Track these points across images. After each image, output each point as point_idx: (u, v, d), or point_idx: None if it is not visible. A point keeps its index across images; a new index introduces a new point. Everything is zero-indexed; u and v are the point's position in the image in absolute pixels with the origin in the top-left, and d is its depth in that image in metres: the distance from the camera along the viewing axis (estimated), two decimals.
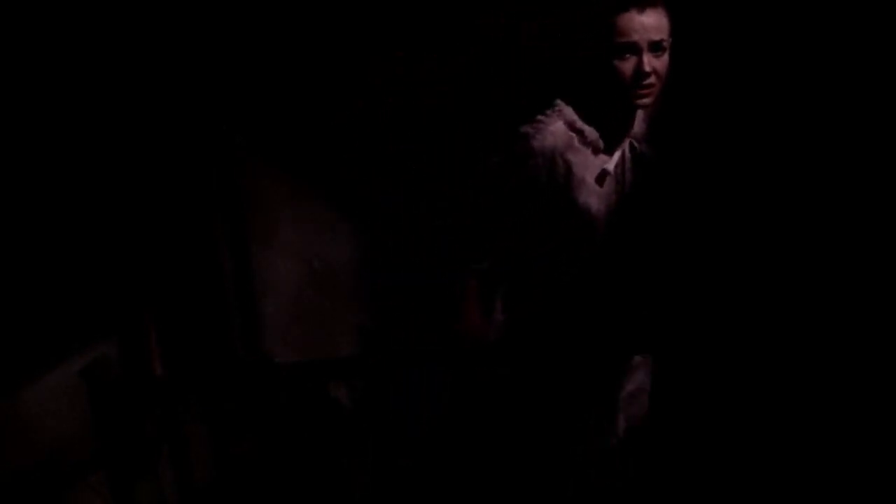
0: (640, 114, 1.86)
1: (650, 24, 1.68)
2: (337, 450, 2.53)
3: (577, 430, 2.05)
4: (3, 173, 2.14)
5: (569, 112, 1.83)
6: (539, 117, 1.85)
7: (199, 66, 2.52)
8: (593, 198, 1.84)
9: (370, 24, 2.49)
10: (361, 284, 2.77)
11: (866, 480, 1.94)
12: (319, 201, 2.70)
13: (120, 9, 2.31)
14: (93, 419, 1.97)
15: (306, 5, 2.50)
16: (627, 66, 1.70)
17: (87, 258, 2.31)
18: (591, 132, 1.82)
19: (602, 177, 1.84)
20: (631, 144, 1.87)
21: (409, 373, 2.31)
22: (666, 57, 1.72)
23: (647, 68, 1.68)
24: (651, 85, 1.71)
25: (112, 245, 2.38)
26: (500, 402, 2.14)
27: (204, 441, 2.39)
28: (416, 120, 2.52)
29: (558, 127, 1.82)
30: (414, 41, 2.48)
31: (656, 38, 1.69)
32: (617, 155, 1.85)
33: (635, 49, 1.69)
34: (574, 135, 1.82)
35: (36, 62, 2.17)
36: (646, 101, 1.74)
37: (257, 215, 2.70)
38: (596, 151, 1.83)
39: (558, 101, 1.86)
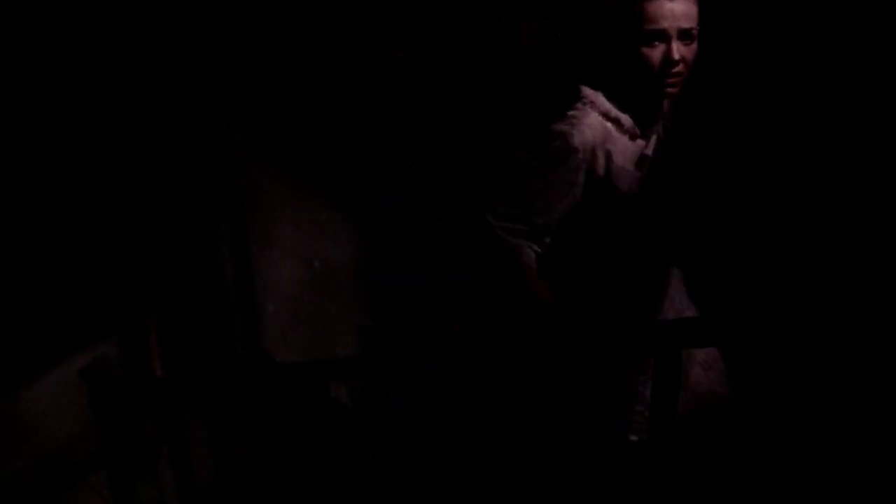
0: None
1: (680, 11, 1.66)
2: (337, 450, 2.53)
3: (576, 430, 2.05)
4: (5, 174, 2.14)
5: (602, 102, 1.79)
6: (571, 112, 1.81)
7: (199, 67, 2.52)
8: (635, 184, 1.82)
9: (370, 24, 2.49)
10: (362, 284, 2.77)
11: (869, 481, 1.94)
12: (319, 201, 2.70)
13: (121, 9, 2.31)
14: (93, 419, 1.97)
15: (306, 5, 2.50)
16: (656, 53, 1.67)
17: (88, 258, 2.31)
18: (626, 120, 1.79)
19: (643, 162, 1.82)
20: (665, 127, 1.86)
21: (409, 373, 2.30)
22: (694, 45, 1.70)
23: (676, 56, 1.66)
24: (679, 73, 1.69)
25: (113, 245, 2.38)
26: (501, 402, 2.14)
27: (204, 441, 2.39)
28: (416, 120, 2.52)
29: (594, 119, 1.78)
30: (414, 41, 2.48)
31: (686, 25, 1.67)
32: (654, 139, 1.83)
33: (664, 36, 1.66)
34: (610, 124, 1.79)
35: (38, 63, 2.17)
36: (673, 89, 1.72)
37: (257, 215, 2.70)
38: (633, 138, 1.81)
39: (585, 91, 1.83)
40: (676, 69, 1.69)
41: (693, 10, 1.69)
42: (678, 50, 1.67)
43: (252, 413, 2.54)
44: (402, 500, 2.42)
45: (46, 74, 2.19)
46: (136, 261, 2.44)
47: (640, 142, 1.82)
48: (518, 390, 2.08)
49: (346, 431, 2.59)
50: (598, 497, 2.08)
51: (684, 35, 1.68)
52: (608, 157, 1.79)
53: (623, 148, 1.81)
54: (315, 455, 2.53)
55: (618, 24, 1.75)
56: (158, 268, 2.51)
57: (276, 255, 2.75)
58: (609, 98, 1.80)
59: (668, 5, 1.66)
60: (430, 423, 2.49)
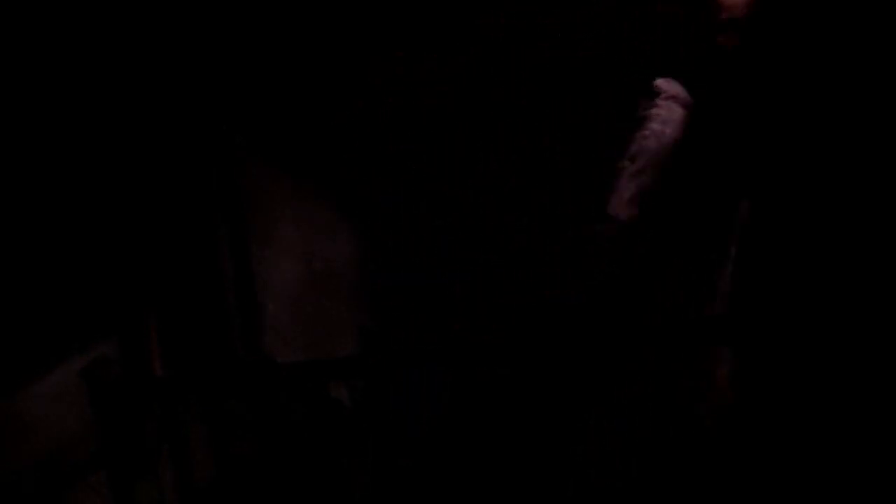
0: None
1: None
2: (337, 450, 2.53)
3: (576, 430, 2.05)
4: (4, 173, 2.14)
5: (684, 95, 1.78)
6: (654, 111, 1.79)
7: (199, 67, 2.52)
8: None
9: (370, 23, 2.49)
10: (362, 284, 2.77)
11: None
12: (320, 201, 2.71)
13: (121, 8, 2.31)
14: (93, 419, 1.97)
15: (306, 5, 2.50)
16: (732, 41, 1.68)
17: (88, 258, 2.31)
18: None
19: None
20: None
21: (410, 373, 2.31)
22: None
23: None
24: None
25: (112, 245, 2.38)
26: (501, 402, 2.14)
27: (204, 441, 2.39)
28: (416, 120, 2.52)
29: (679, 114, 1.78)
30: (414, 41, 2.48)
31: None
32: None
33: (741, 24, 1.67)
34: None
35: (37, 62, 2.17)
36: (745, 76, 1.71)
37: (257, 215, 2.70)
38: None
39: (662, 85, 1.80)
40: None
41: None
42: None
43: (252, 413, 2.54)
44: (402, 500, 2.43)
45: (46, 73, 2.19)
46: (135, 260, 2.43)
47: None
48: (518, 390, 2.08)
49: (347, 431, 2.59)
50: (598, 497, 2.09)
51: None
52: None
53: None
54: (315, 455, 2.53)
55: (692, 14, 1.74)
56: (158, 267, 2.50)
57: (276, 255, 2.75)
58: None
59: None
60: (430, 423, 2.49)
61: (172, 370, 2.42)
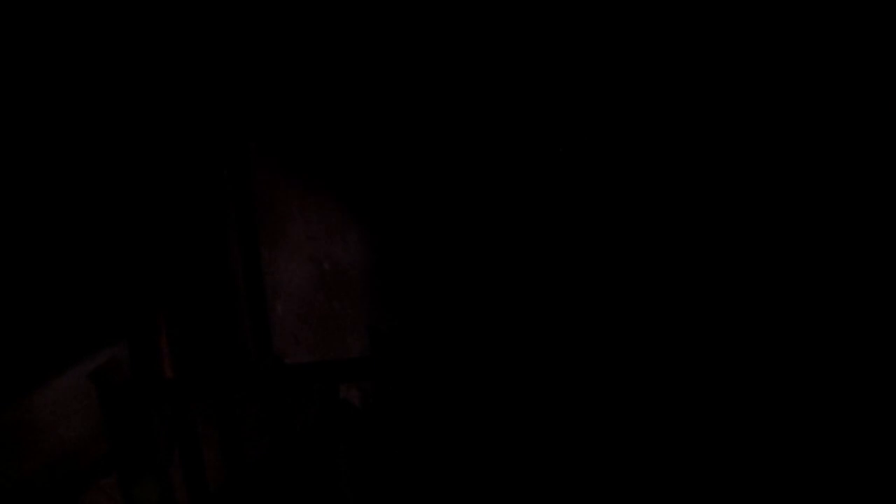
0: None
1: None
2: (340, 450, 2.55)
3: (575, 431, 2.05)
4: (15, 178, 2.18)
5: None
6: None
7: (208, 72, 2.54)
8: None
9: (370, 30, 2.50)
10: (370, 285, 2.78)
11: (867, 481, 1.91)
12: (327, 203, 2.72)
13: (134, 15, 2.34)
14: (104, 421, 2.01)
15: (309, 11, 2.52)
16: None
17: (99, 262, 2.35)
18: None
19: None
20: None
21: (411, 373, 2.31)
22: None
23: None
24: None
25: (123, 249, 2.42)
26: (501, 402, 2.14)
27: (214, 442, 2.42)
28: (416, 120, 2.53)
29: None
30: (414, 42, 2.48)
31: None
32: None
33: None
34: None
35: (49, 68, 2.21)
36: None
37: (266, 218, 2.72)
38: None
39: None
40: None
41: None
42: None
43: (262, 414, 2.56)
44: (401, 500, 2.44)
45: (60, 80, 2.23)
46: (146, 263, 2.47)
47: None
48: (518, 391, 2.09)
49: (353, 432, 2.61)
50: (598, 497, 2.09)
51: None
52: None
53: None
54: (323, 456, 2.55)
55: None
56: (169, 270, 2.54)
57: (286, 257, 2.77)
58: None
59: None
60: (430, 423, 2.51)
61: (183, 372, 2.46)
